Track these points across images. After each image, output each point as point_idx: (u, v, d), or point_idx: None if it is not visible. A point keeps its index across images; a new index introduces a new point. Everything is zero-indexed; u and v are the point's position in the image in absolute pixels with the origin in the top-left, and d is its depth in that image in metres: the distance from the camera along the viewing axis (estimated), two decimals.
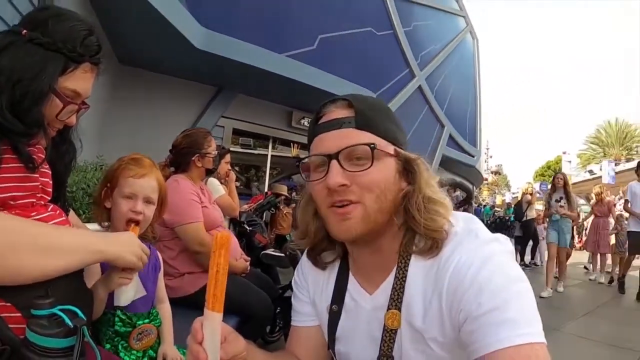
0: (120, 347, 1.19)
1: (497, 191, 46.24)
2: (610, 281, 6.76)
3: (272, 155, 9.15)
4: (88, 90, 0.95)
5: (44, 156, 0.92)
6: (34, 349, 0.70)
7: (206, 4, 5.91)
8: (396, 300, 0.77)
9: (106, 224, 1.29)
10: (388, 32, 10.30)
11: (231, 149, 6.03)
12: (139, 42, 5.03)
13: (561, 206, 5.70)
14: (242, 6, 6.61)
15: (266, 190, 7.25)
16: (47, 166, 0.96)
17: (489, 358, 0.62)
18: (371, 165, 0.74)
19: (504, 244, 0.74)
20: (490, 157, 45.60)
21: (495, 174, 51.96)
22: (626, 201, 5.86)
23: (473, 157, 15.57)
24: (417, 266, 0.76)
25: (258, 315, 2.10)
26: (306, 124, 8.13)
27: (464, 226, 0.76)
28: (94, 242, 0.89)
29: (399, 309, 0.77)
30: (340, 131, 0.77)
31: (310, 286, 0.98)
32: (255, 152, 9.04)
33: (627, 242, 6.07)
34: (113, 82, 5.64)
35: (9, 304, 0.79)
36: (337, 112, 0.79)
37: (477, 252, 0.70)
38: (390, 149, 0.78)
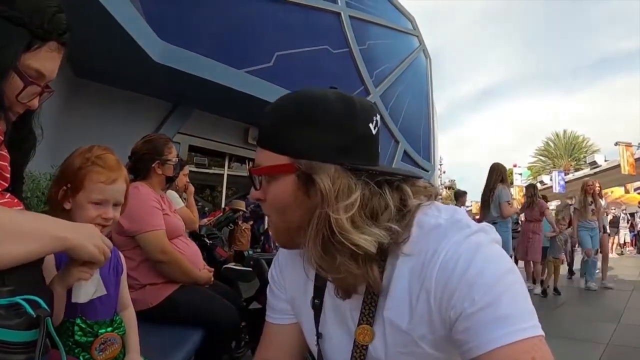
0: (81, 359, 1.09)
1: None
2: (545, 292, 6.00)
3: (228, 175, 8.98)
4: (53, 72, 0.88)
5: (2, 138, 0.84)
6: None
7: (165, 18, 5.80)
8: (367, 315, 0.73)
9: None
10: (344, 50, 10.46)
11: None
12: (95, 54, 4.84)
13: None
14: (200, 21, 6.54)
15: (223, 206, 7.08)
16: (6, 151, 0.87)
17: (486, 357, 0.59)
18: (268, 184, 0.74)
19: (490, 233, 0.70)
20: (444, 172, 46.81)
21: (448, 189, 53.34)
22: None
23: (427, 171, 15.91)
24: (400, 263, 0.71)
25: (225, 326, 2.00)
26: None
27: (447, 218, 0.71)
28: (57, 227, 0.80)
29: (371, 324, 0.73)
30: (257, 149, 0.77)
31: (287, 283, 0.93)
32: (211, 171, 8.84)
33: None
34: (68, 94, 5.40)
35: None
36: None
37: (464, 245, 0.66)
38: (284, 164, 0.69)
